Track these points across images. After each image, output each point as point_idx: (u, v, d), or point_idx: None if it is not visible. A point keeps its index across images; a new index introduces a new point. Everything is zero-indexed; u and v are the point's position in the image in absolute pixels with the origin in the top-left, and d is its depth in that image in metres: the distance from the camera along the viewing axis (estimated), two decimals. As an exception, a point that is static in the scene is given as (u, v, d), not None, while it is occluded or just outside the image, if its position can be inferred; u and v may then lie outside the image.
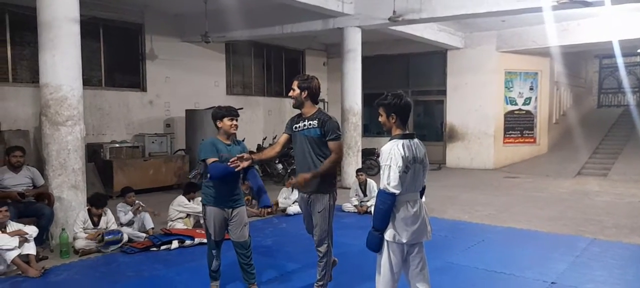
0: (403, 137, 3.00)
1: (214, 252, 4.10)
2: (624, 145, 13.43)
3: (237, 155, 3.67)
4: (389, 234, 2.98)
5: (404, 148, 2.93)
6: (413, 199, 3.04)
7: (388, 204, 2.90)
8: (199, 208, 6.25)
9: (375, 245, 2.99)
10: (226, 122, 3.94)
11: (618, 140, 14.13)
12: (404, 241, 2.98)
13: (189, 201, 6.41)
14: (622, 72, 19.19)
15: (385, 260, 3.02)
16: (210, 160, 3.81)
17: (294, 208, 7.21)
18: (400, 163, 2.87)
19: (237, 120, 4.00)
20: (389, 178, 2.88)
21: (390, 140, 3.02)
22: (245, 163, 3.65)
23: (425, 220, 3.11)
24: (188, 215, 6.36)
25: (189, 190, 6.46)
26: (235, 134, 4.06)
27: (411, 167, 2.96)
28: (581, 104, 18.31)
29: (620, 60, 18.21)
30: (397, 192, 2.88)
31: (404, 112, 3.03)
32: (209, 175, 3.86)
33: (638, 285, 4.43)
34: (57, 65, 5.51)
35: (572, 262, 5.04)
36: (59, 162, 5.60)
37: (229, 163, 3.66)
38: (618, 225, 6.60)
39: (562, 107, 15.79)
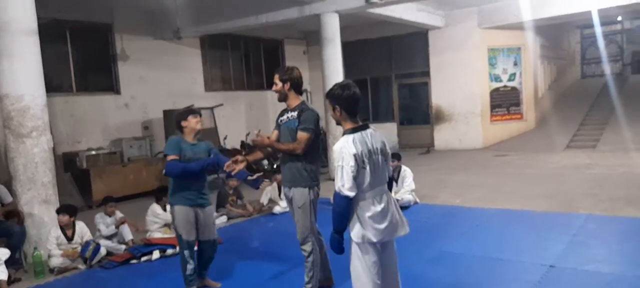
0: (353, 130, 2.81)
1: (186, 253, 3.97)
2: (611, 115, 13.40)
3: (232, 159, 3.70)
4: (356, 234, 2.79)
5: (355, 143, 2.74)
6: (379, 194, 2.83)
7: (343, 206, 2.74)
8: (165, 215, 5.99)
9: (336, 247, 2.84)
10: (191, 120, 4.00)
11: (604, 110, 14.10)
12: (374, 240, 2.79)
13: (164, 208, 6.08)
14: (603, 41, 19.24)
15: (358, 263, 2.82)
16: (170, 158, 3.84)
17: (281, 207, 6.95)
18: (351, 162, 2.69)
19: (200, 116, 4.09)
20: (343, 179, 2.71)
21: (342, 135, 2.84)
22: (241, 166, 3.70)
23: (397, 214, 2.90)
24: (166, 224, 6.04)
25: (161, 196, 6.13)
26: (199, 132, 4.07)
27: (368, 162, 2.75)
28: (565, 76, 18.30)
29: (599, 30, 18.24)
30: (351, 194, 2.71)
31: (348, 103, 2.84)
32: (164, 172, 3.93)
33: (638, 260, 4.27)
34: (17, 74, 5.14)
35: (569, 241, 4.89)
36: (27, 176, 5.27)
37: (225, 168, 3.71)
38: (612, 197, 6.48)
39: (546, 81, 15.72)
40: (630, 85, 16.96)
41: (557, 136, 12.23)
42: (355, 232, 2.79)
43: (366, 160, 2.75)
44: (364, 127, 2.87)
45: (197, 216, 3.99)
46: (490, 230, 5.55)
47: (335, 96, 2.86)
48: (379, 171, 2.83)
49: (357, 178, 2.72)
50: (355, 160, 2.70)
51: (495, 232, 5.46)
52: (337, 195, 2.76)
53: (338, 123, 2.93)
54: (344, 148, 2.74)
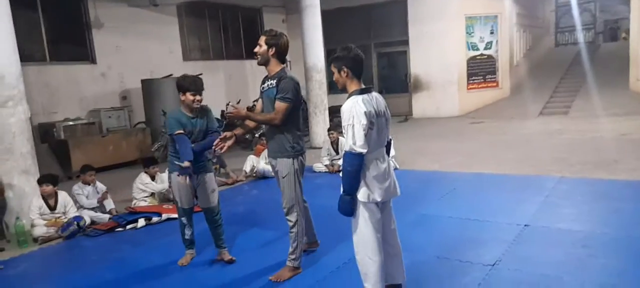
0: (361, 92, 2.84)
1: (184, 220, 4.12)
2: (583, 83, 13.77)
3: (220, 137, 3.58)
4: (362, 195, 2.83)
5: (364, 103, 2.77)
6: (381, 155, 2.91)
7: (355, 165, 2.75)
8: (161, 186, 6.02)
9: (348, 210, 2.85)
10: (188, 96, 3.85)
11: (576, 78, 14.47)
12: (378, 200, 2.85)
13: (153, 178, 6.10)
14: (576, 10, 19.50)
15: (363, 223, 2.87)
16: (177, 133, 3.80)
17: (266, 168, 6.99)
18: (363, 120, 2.72)
19: (200, 95, 3.88)
20: (354, 137, 2.72)
21: (348, 97, 2.85)
22: (230, 143, 3.59)
23: (393, 176, 2.99)
24: (152, 194, 6.06)
25: (148, 165, 6.16)
26: (196, 109, 3.93)
27: (375, 122, 2.80)
28: (540, 44, 18.58)
29: (574, -2, 18.50)
30: (364, 151, 2.73)
31: (355, 63, 2.87)
32: (177, 147, 3.84)
33: (606, 219, 4.52)
34: (-11, 42, 5.01)
35: (542, 202, 5.11)
36: (5, 146, 5.22)
37: (213, 147, 3.61)
38: (583, 161, 6.75)
39: (522, 49, 15.97)
40: (601, 53, 17.37)
41: (531, 103, 12.55)
42: (361, 192, 2.82)
43: (374, 121, 2.79)
44: (369, 90, 2.89)
45: (194, 183, 3.96)
46: (467, 194, 5.76)
47: (340, 58, 2.87)
48: (382, 133, 2.89)
49: (366, 137, 2.73)
50: (367, 118, 2.73)
51: (472, 195, 5.66)
52: (348, 154, 2.75)
53: (343, 88, 2.92)
54: (354, 108, 2.75)
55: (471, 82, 13.33)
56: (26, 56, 8.36)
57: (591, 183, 5.73)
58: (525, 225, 4.42)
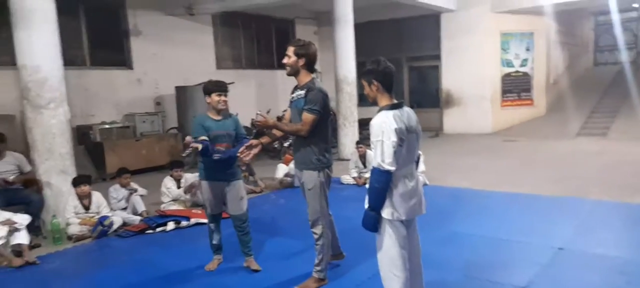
0: (392, 107, 2.77)
1: (212, 225, 4.19)
2: (622, 104, 13.29)
3: (245, 145, 3.57)
4: (387, 212, 2.77)
5: (395, 119, 2.70)
6: (410, 172, 2.83)
7: (383, 182, 2.69)
8: (177, 192, 6.12)
9: (372, 225, 2.80)
10: (214, 97, 3.92)
11: (616, 98, 13.97)
12: (403, 218, 2.79)
13: (178, 180, 6.22)
14: (618, 28, 18.90)
15: (388, 240, 2.81)
16: (199, 139, 3.82)
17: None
18: (393, 137, 2.65)
19: (225, 96, 3.93)
20: (383, 154, 2.66)
21: (378, 112, 2.79)
22: (255, 151, 3.58)
23: (421, 194, 2.91)
24: (174, 199, 6.18)
25: (173, 168, 6.32)
26: (225, 109, 3.99)
27: (405, 139, 2.73)
28: (578, 62, 18.08)
29: (616, 17, 17.91)
30: (392, 169, 2.66)
31: (385, 77, 2.80)
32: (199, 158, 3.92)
33: (647, 246, 4.32)
34: (34, 45, 5.23)
35: (578, 225, 4.93)
36: (45, 146, 5.39)
37: (238, 155, 3.62)
38: (622, 185, 6.49)
39: (558, 67, 15.57)
40: (643, 74, 16.75)
41: (568, 123, 12.19)
42: (386, 209, 2.77)
43: (404, 138, 2.72)
44: (401, 105, 2.82)
45: (223, 190, 4.00)
46: (498, 213, 5.61)
47: (370, 71, 2.81)
48: (412, 149, 2.82)
49: (396, 154, 2.68)
50: (397, 135, 2.67)
51: (504, 215, 5.51)
52: (376, 171, 2.70)
53: (374, 102, 2.87)
54: (384, 123, 2.69)
55: (505, 99, 13.06)
56: (68, 61, 8.62)
57: (631, 207, 5.50)
58: (559, 248, 4.27)
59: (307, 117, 3.44)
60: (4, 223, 4.54)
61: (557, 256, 4.12)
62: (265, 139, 3.76)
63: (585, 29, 20.07)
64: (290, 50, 3.52)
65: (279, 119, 10.31)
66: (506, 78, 13.01)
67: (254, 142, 3.60)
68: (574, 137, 11.35)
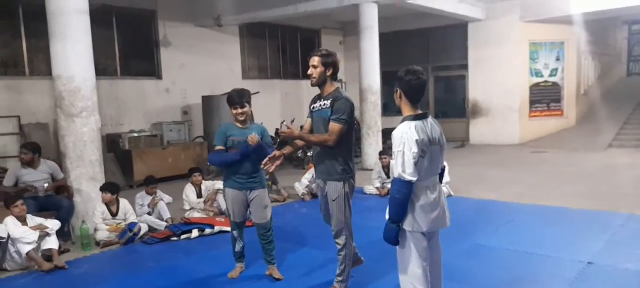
0: (415, 118, 2.74)
1: (235, 233, 4.22)
2: (657, 115, 12.86)
3: (269, 157, 3.57)
4: (408, 224, 2.74)
5: (417, 130, 2.67)
6: (433, 184, 2.79)
7: (404, 194, 2.66)
8: (198, 201, 6.22)
9: (393, 238, 2.77)
10: (232, 111, 4.02)
11: (650, 109, 13.54)
12: (424, 230, 2.75)
13: (198, 186, 6.36)
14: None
15: (409, 252, 2.78)
16: (216, 148, 3.97)
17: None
18: (414, 148, 2.63)
19: (242, 109, 3.96)
20: (404, 165, 2.64)
21: (402, 122, 2.77)
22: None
23: (445, 206, 2.86)
24: (192, 208, 6.32)
25: (192, 173, 6.47)
26: (247, 120, 4.06)
27: (428, 151, 2.70)
28: (610, 73, 17.61)
29: (651, 26, 17.40)
30: (413, 179, 2.64)
31: (413, 91, 2.76)
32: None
33: (683, 263, 4.15)
34: (69, 56, 5.41)
35: (608, 240, 4.78)
36: (77, 154, 5.56)
37: (262, 166, 3.68)
38: (656, 199, 6.27)
39: (590, 78, 15.19)
40: (680, 85, 16.19)
41: (599, 135, 11.85)
42: (408, 221, 2.74)
43: (426, 149, 2.69)
44: (424, 116, 2.80)
45: (247, 198, 4.03)
46: (526, 226, 5.48)
47: (397, 79, 2.80)
48: (435, 161, 2.79)
49: (417, 165, 2.66)
50: (418, 146, 2.66)
51: (531, 228, 5.38)
52: (397, 181, 2.68)
53: (399, 110, 2.86)
54: (406, 134, 2.67)
55: (534, 109, 12.80)
56: (101, 71, 9.00)
57: (665, 223, 5.30)
58: (588, 263, 4.15)
59: (335, 127, 3.39)
60: (36, 228, 4.70)
61: (586, 271, 4.01)
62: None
63: (618, 39, 19.55)
64: (316, 60, 3.50)
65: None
66: (535, 88, 12.76)
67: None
68: (605, 149, 11.01)
